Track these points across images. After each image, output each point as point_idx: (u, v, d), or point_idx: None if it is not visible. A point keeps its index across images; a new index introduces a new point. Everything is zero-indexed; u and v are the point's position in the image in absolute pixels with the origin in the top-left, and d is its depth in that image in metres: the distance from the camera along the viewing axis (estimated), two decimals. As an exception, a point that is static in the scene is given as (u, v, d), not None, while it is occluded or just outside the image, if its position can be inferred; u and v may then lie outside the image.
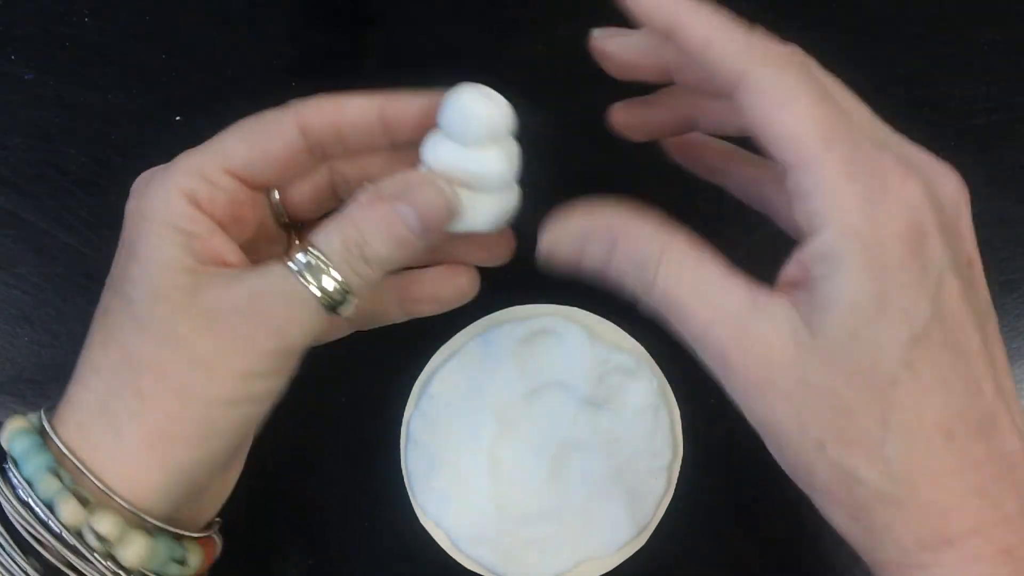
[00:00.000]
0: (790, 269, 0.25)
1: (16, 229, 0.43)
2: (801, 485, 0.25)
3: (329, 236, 0.27)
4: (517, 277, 0.42)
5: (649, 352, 0.40)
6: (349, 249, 0.27)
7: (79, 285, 0.43)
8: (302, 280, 0.27)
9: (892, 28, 0.46)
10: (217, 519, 0.33)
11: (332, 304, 0.27)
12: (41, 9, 0.47)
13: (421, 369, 0.40)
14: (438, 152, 0.29)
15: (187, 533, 0.29)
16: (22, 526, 0.26)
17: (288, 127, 0.30)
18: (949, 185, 0.26)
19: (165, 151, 0.45)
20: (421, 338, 0.40)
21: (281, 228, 0.33)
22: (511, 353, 0.40)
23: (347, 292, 0.27)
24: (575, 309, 0.41)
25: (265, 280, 0.27)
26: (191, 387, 0.26)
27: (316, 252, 0.27)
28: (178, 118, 0.45)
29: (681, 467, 0.39)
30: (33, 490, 0.26)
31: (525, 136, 0.31)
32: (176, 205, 0.28)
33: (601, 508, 0.38)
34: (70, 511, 0.26)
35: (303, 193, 0.32)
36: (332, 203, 0.32)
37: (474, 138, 0.28)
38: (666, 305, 0.26)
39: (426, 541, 0.38)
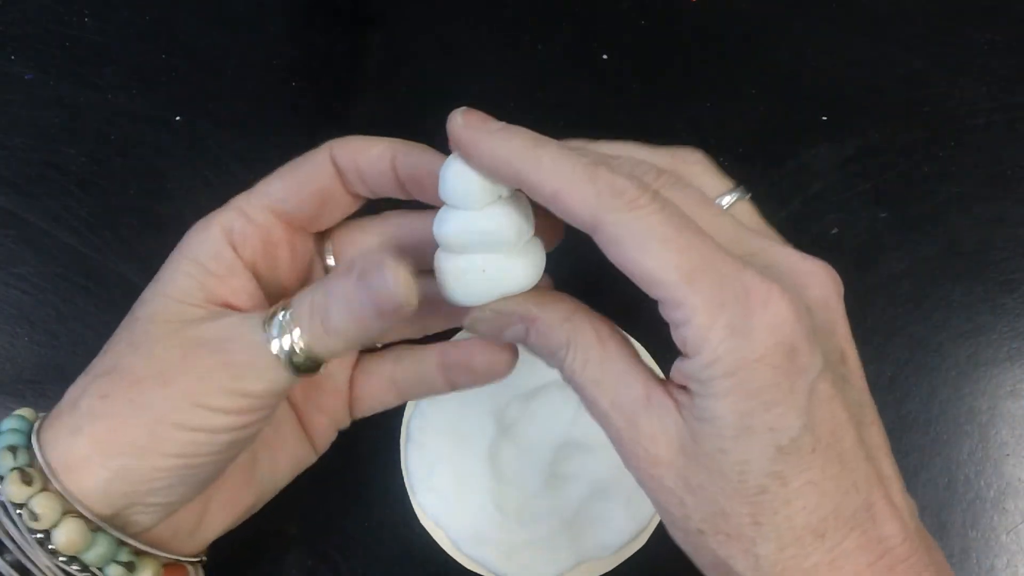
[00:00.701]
0: (675, 374, 0.26)
1: (16, 229, 0.43)
2: (688, 556, 0.27)
3: (303, 298, 0.28)
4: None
5: (650, 352, 0.40)
6: (313, 316, 0.28)
7: (79, 285, 0.43)
8: (266, 334, 0.28)
9: (892, 28, 0.46)
10: (201, 557, 0.33)
11: (295, 364, 0.28)
12: (41, 9, 0.47)
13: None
14: (447, 223, 0.28)
15: (132, 542, 0.29)
16: None
17: (322, 161, 0.31)
18: (816, 287, 0.27)
19: (165, 151, 0.45)
20: (423, 338, 0.40)
21: None
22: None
23: (310, 355, 0.28)
24: None
25: (240, 325, 0.29)
26: (147, 400, 0.28)
27: (289, 312, 0.28)
28: (178, 118, 0.45)
29: None
30: None
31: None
32: (209, 241, 0.30)
33: (601, 508, 0.38)
34: (13, 487, 0.27)
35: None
36: None
37: (476, 199, 0.27)
38: (573, 386, 0.28)
39: (426, 541, 0.38)
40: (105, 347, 0.30)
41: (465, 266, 0.28)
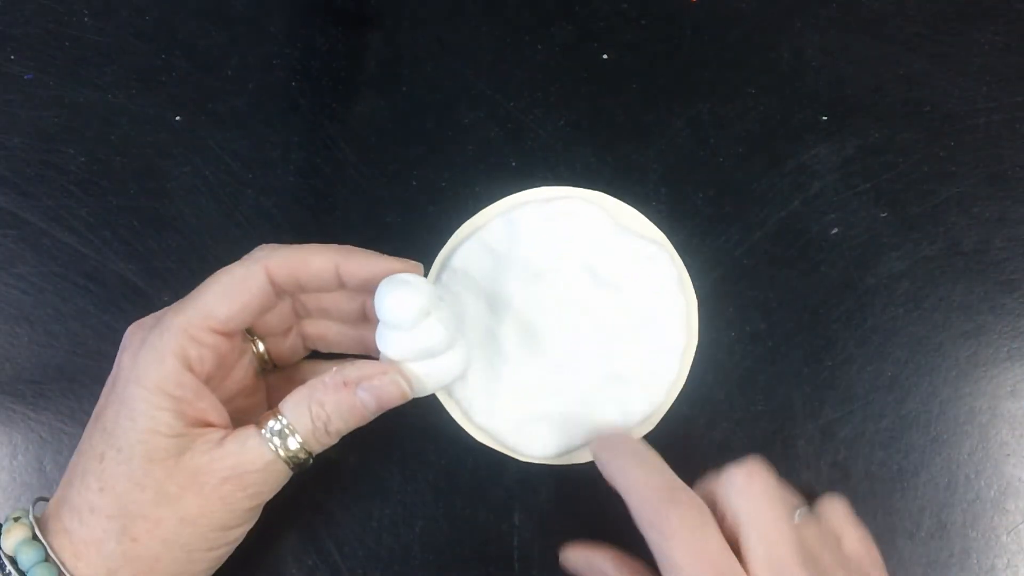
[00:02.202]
0: None
1: (16, 229, 0.43)
2: None
3: (299, 412, 0.33)
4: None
5: (670, 240, 0.40)
6: (316, 425, 0.33)
7: (79, 285, 0.43)
8: (273, 447, 0.33)
9: (892, 28, 0.46)
10: None
11: (297, 463, 0.34)
12: (41, 9, 0.47)
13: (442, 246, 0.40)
14: (387, 343, 0.34)
15: None
16: None
17: (260, 280, 0.34)
18: None
19: (165, 151, 0.45)
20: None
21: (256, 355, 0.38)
22: (534, 232, 0.39)
23: (309, 454, 0.34)
24: (599, 194, 0.41)
25: (244, 449, 0.33)
26: (178, 538, 0.32)
27: (286, 423, 0.33)
28: (178, 118, 0.45)
29: (695, 354, 0.40)
30: None
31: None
32: (169, 370, 0.32)
33: (613, 390, 0.38)
34: None
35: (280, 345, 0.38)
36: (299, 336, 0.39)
37: (407, 324, 0.34)
38: None
39: (426, 540, 0.38)
40: (97, 482, 0.32)
41: (411, 373, 0.35)
